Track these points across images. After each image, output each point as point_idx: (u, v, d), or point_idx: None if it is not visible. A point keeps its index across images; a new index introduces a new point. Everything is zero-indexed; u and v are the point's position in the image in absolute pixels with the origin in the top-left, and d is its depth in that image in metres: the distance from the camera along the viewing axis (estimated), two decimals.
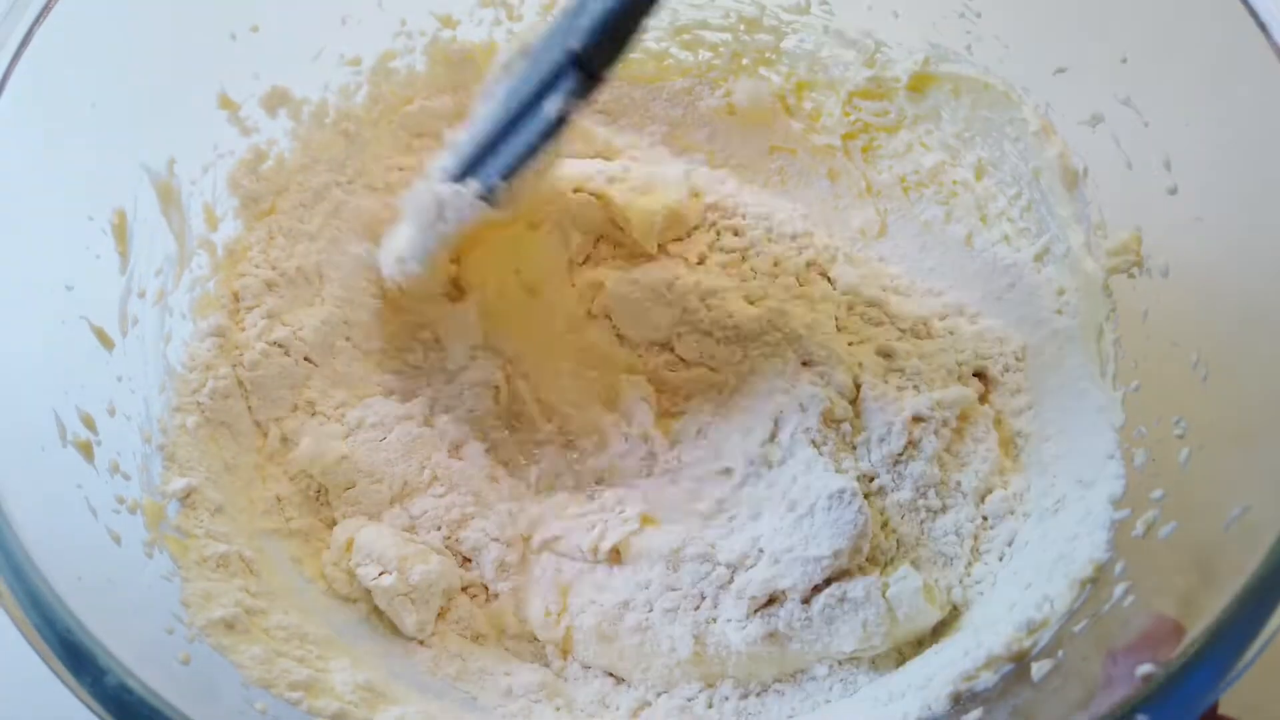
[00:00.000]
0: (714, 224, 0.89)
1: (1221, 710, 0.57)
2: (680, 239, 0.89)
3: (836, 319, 0.85)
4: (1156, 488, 0.66)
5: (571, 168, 0.89)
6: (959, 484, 0.80)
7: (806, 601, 0.75)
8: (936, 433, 0.80)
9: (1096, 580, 0.67)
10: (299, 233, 0.87)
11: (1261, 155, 0.67)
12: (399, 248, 0.82)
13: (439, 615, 0.79)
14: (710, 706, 0.76)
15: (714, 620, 0.76)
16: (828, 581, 0.75)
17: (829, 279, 0.87)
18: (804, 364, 0.83)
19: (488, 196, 0.76)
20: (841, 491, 0.75)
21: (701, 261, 0.87)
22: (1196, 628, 0.55)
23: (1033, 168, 0.82)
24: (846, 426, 0.81)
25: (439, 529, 0.80)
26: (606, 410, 0.85)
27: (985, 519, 0.79)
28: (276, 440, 0.83)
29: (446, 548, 0.80)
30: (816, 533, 0.75)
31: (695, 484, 0.82)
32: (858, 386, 0.82)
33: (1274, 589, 0.54)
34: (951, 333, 0.84)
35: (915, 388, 0.82)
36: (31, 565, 0.57)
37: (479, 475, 0.83)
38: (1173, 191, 0.71)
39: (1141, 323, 0.75)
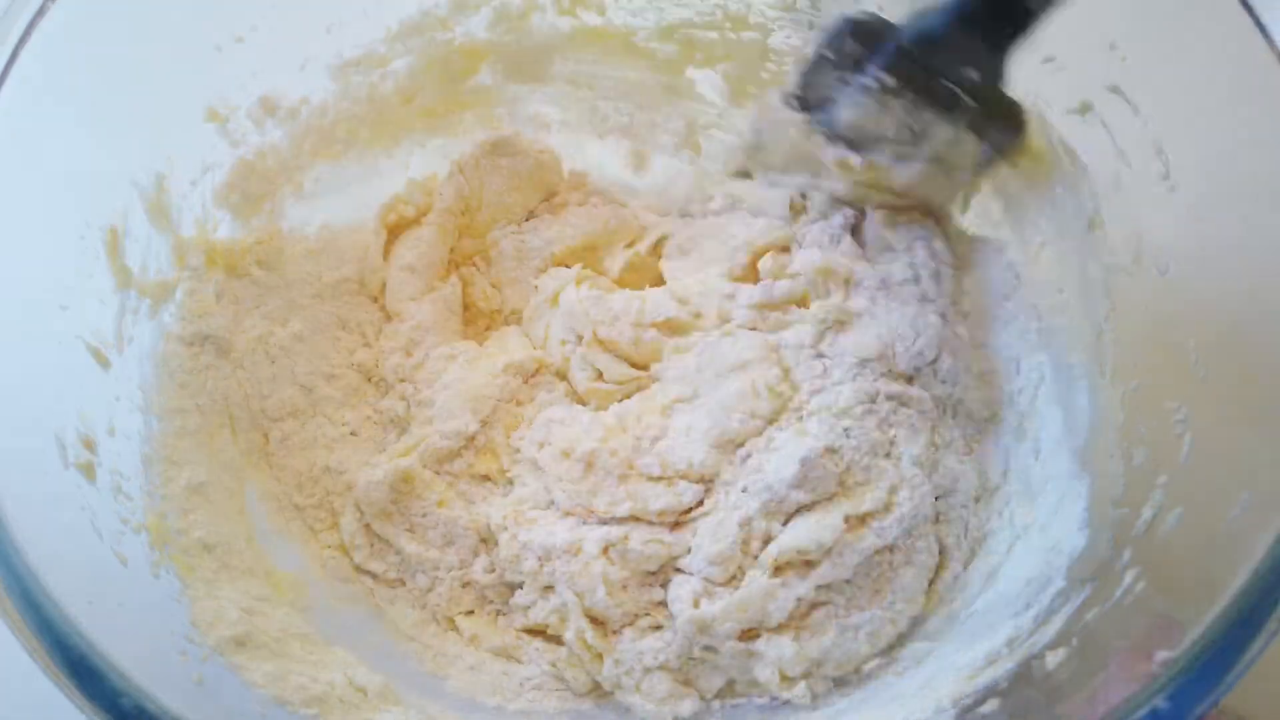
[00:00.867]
0: None
1: (1227, 706, 0.58)
2: None
3: None
4: (1159, 479, 0.67)
5: None
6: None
7: None
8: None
9: (1099, 571, 0.68)
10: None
11: (1258, 147, 0.68)
12: None
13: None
14: None
15: None
16: None
17: None
18: None
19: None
20: None
21: None
22: (1206, 617, 0.55)
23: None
24: None
25: None
26: None
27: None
28: (276, 441, 0.84)
29: None
30: None
31: None
32: None
33: None
34: None
35: None
36: (42, 591, 0.57)
37: None
38: (1172, 187, 0.71)
39: (1141, 319, 0.75)
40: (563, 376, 0.89)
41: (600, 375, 0.87)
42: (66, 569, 0.60)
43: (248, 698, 0.64)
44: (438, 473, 0.85)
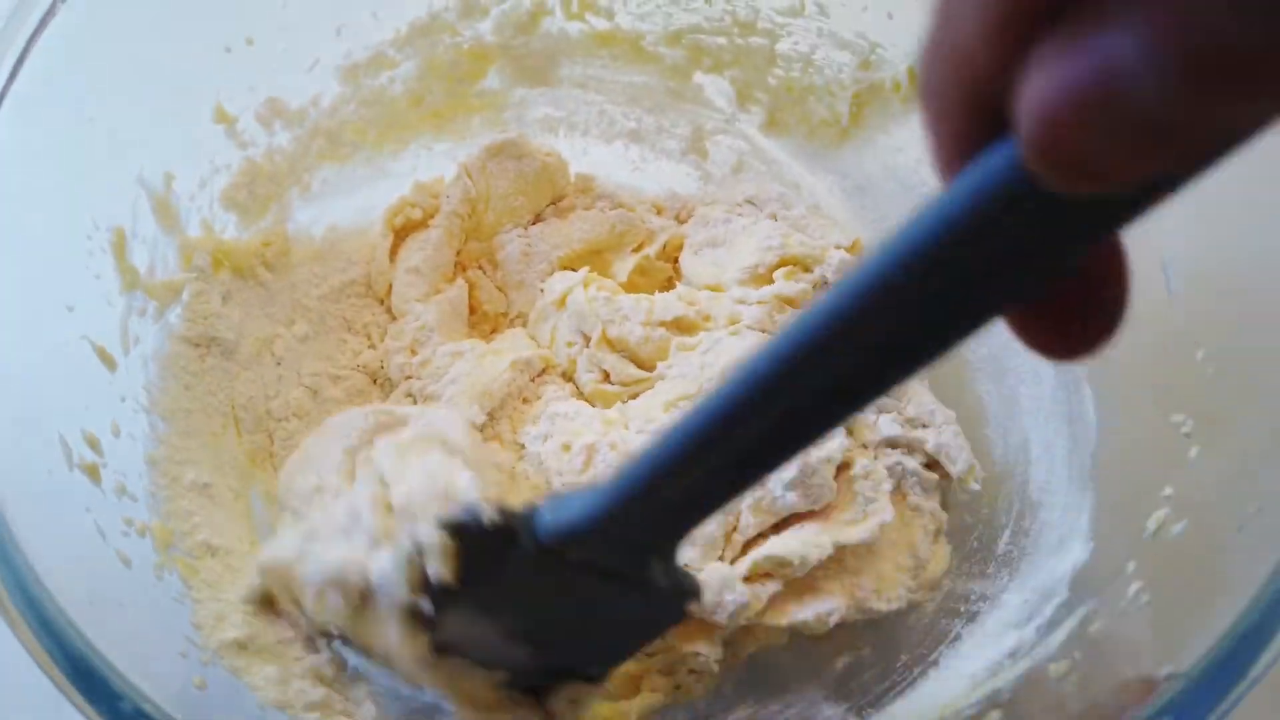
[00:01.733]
0: None
1: None
2: None
3: None
4: (1165, 491, 0.66)
5: None
6: None
7: None
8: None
9: (1103, 583, 0.68)
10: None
11: (1266, 154, 0.67)
12: None
13: None
14: None
15: None
16: None
17: None
18: None
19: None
20: None
21: None
22: (1213, 630, 0.55)
23: None
24: None
25: None
26: None
27: None
28: (281, 442, 0.84)
29: None
30: None
31: None
32: None
33: None
34: None
35: None
36: (44, 590, 0.57)
37: None
38: (1178, 197, 0.70)
39: (1146, 330, 0.74)
40: (569, 378, 0.89)
41: (607, 377, 0.87)
42: (68, 570, 0.60)
43: (249, 701, 0.64)
44: None
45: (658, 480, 0.47)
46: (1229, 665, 0.53)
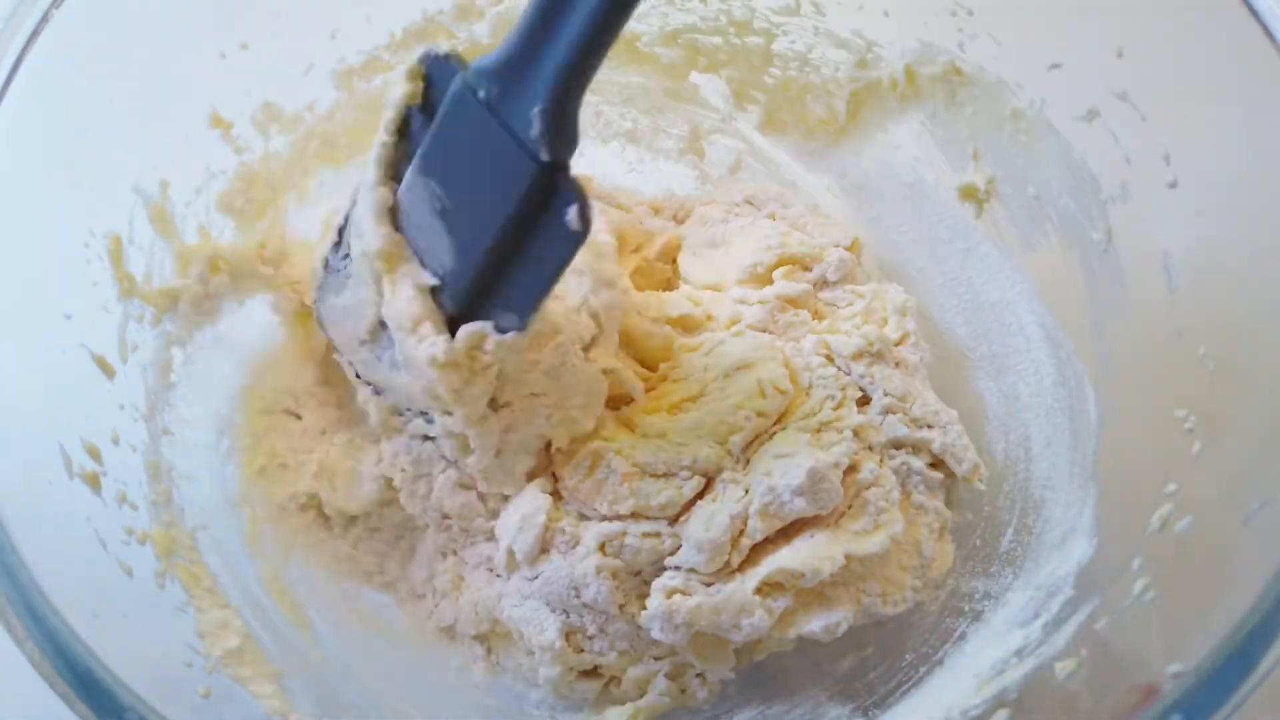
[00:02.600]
0: None
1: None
2: None
3: None
4: (1169, 487, 0.66)
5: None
6: None
7: None
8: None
9: (1108, 580, 0.68)
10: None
11: (1266, 154, 0.67)
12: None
13: None
14: None
15: None
16: None
17: None
18: None
19: (523, 326, 0.70)
20: None
21: None
22: (1218, 626, 0.55)
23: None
24: None
25: None
26: None
27: None
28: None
29: None
30: None
31: None
32: None
33: None
34: None
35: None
36: (47, 604, 0.57)
37: None
38: (1180, 195, 0.71)
39: (1149, 326, 0.75)
40: None
41: None
42: (71, 580, 0.60)
43: (255, 711, 0.64)
44: None
45: (531, 34, 0.61)
46: (1237, 661, 0.53)
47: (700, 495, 0.78)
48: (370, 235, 0.72)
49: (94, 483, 0.68)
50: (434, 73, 0.69)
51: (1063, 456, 0.80)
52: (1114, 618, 0.64)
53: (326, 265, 0.79)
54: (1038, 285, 0.85)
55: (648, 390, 0.84)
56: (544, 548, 0.77)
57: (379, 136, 0.71)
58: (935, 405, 0.83)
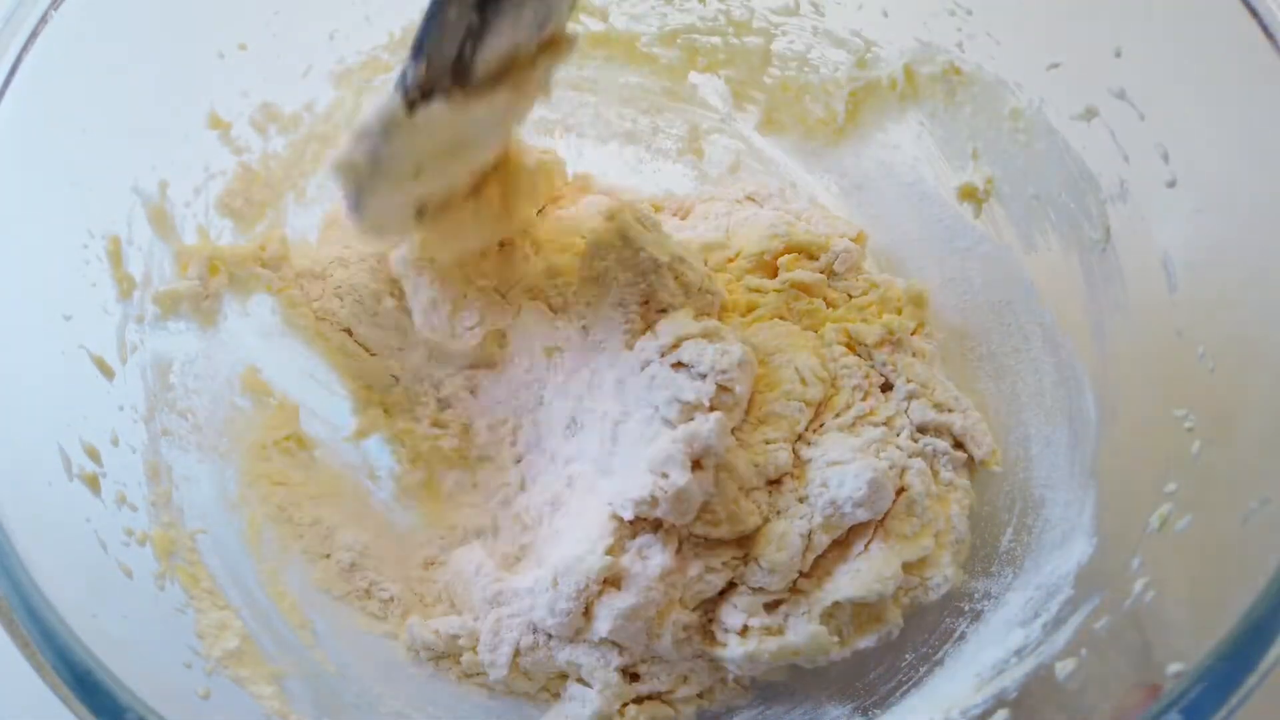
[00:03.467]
0: None
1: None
2: None
3: None
4: (1168, 487, 0.66)
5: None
6: None
7: None
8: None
9: (1108, 579, 0.68)
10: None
11: (1264, 152, 0.67)
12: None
13: None
14: None
15: None
16: None
17: None
18: None
19: (402, 85, 0.64)
20: None
21: None
22: (1219, 625, 0.55)
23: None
24: None
25: None
26: None
27: None
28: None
29: None
30: None
31: None
32: None
33: None
34: None
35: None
36: (47, 604, 0.57)
37: None
38: (1178, 193, 0.71)
39: (1148, 325, 0.75)
40: None
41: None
42: (71, 581, 0.60)
43: (254, 712, 0.64)
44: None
45: None
46: (1237, 661, 0.53)
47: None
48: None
49: (93, 484, 0.68)
50: None
51: (1063, 456, 0.80)
52: (1114, 618, 0.64)
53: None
54: (1037, 285, 0.85)
55: None
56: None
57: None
58: (955, 392, 0.84)
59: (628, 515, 0.72)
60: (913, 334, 0.86)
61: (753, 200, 0.94)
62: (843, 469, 0.75)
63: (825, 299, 0.87)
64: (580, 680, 0.77)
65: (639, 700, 0.77)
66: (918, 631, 0.78)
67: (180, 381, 0.80)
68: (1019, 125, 0.82)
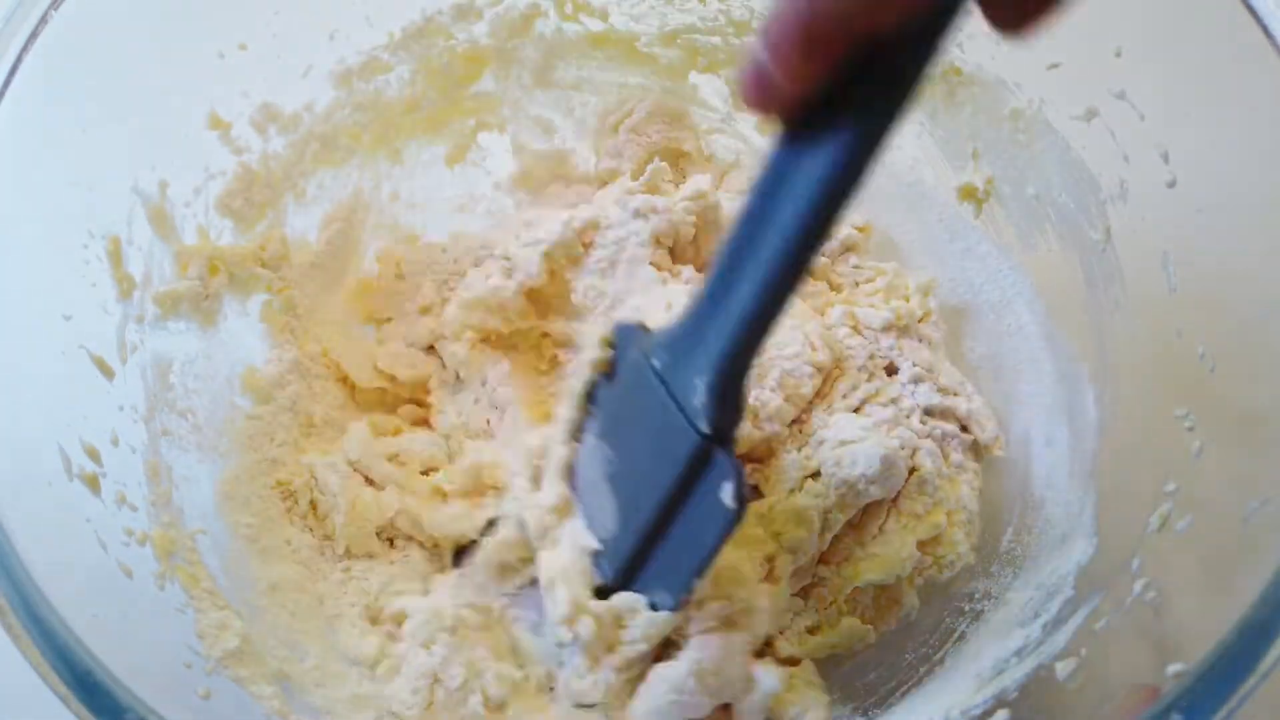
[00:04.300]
0: None
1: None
2: None
3: None
4: (1168, 486, 0.66)
5: None
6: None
7: None
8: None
9: (1108, 579, 0.68)
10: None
11: (1264, 153, 0.67)
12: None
13: None
14: None
15: None
16: None
17: None
18: None
19: (676, 606, 0.69)
20: None
21: None
22: (1219, 625, 0.55)
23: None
24: None
25: None
26: None
27: None
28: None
29: None
30: None
31: None
32: None
33: None
34: None
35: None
36: (47, 604, 0.56)
37: None
38: (1178, 194, 0.71)
39: (1148, 325, 0.75)
40: None
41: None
42: (71, 581, 0.60)
43: (255, 712, 0.64)
44: None
45: (698, 315, 0.62)
46: (1237, 661, 0.53)
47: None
48: (546, 489, 0.73)
49: (93, 484, 0.68)
50: (622, 341, 0.71)
51: (1063, 456, 0.80)
52: (1114, 618, 0.64)
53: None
54: (1037, 285, 0.85)
55: None
56: None
57: (570, 400, 0.73)
58: (960, 377, 0.85)
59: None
60: (920, 322, 0.86)
61: None
62: (855, 448, 0.76)
63: (829, 282, 0.87)
64: None
65: None
66: (918, 632, 0.78)
67: (180, 381, 0.80)
68: (1019, 125, 0.82)
